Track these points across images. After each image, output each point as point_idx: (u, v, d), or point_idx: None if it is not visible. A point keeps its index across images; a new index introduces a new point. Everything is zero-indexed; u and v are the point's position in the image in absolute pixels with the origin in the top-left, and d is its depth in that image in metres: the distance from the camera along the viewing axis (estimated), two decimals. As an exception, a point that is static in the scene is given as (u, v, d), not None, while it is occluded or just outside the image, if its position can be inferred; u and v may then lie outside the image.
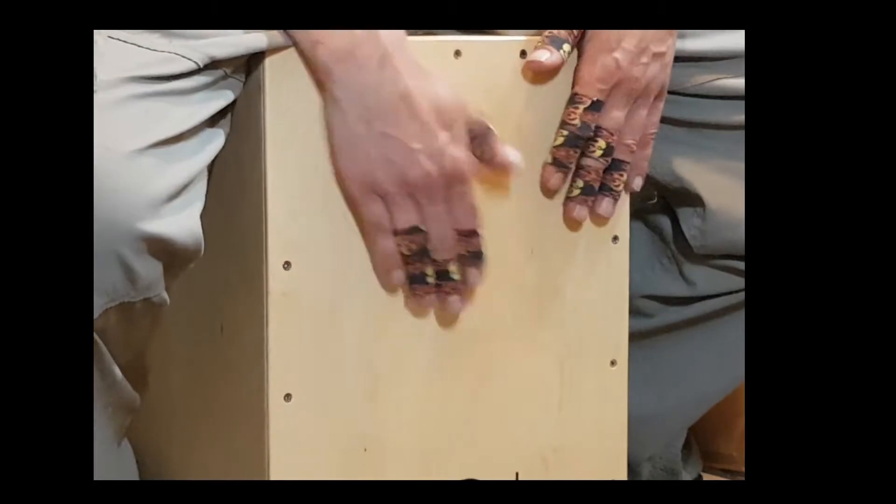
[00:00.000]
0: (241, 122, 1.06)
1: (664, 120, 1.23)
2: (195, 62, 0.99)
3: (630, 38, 1.08)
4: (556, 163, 1.10)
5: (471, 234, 1.06)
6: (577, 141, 1.09)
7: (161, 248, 0.97)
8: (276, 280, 1.06)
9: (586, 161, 1.10)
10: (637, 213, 1.30)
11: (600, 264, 1.15)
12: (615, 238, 1.16)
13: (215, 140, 1.04)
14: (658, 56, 1.10)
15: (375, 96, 1.01)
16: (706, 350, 1.32)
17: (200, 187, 1.02)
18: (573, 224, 1.13)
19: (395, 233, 1.05)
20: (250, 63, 1.05)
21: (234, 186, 1.08)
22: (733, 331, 1.29)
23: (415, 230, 1.04)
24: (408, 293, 1.08)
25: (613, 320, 1.17)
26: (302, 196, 1.05)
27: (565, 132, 1.10)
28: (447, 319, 1.11)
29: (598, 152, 1.10)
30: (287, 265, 1.06)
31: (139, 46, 0.98)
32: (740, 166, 1.20)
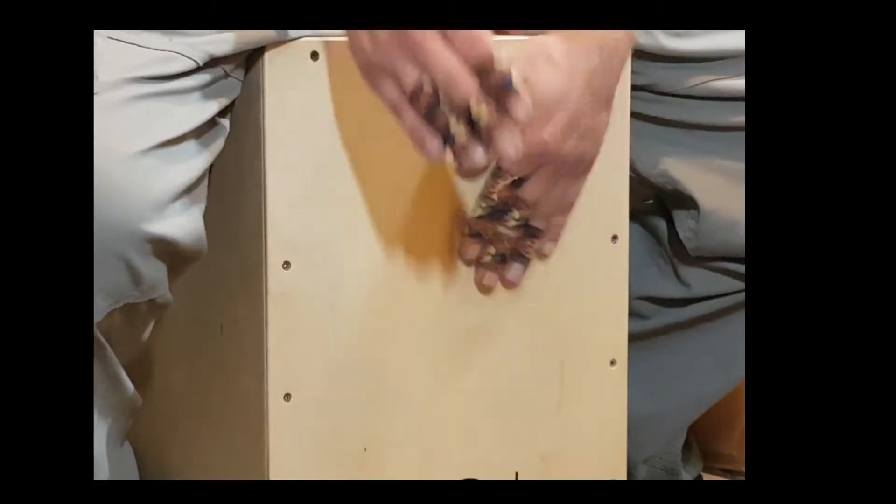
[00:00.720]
0: (241, 122, 1.06)
1: (660, 121, 1.23)
2: (195, 60, 0.99)
3: (561, 115, 1.03)
4: (474, 234, 1.09)
5: (485, 66, 0.93)
6: (497, 214, 1.07)
7: (165, 249, 0.97)
8: (276, 280, 1.06)
9: (501, 230, 1.08)
10: (634, 215, 1.30)
11: (600, 264, 1.15)
12: (614, 238, 1.16)
13: (216, 140, 1.04)
14: (590, 130, 1.05)
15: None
16: (703, 351, 1.33)
17: (203, 187, 1.02)
18: (483, 290, 1.11)
19: (411, 98, 0.95)
20: (249, 63, 1.05)
21: (234, 186, 1.08)
22: (730, 332, 1.29)
23: (423, 83, 0.94)
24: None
25: (613, 320, 1.17)
26: (302, 196, 1.05)
27: (485, 205, 1.07)
28: (448, 319, 1.11)
29: (513, 223, 1.08)
30: (287, 265, 1.06)
31: (139, 46, 0.98)
32: (734, 167, 1.20)
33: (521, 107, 0.93)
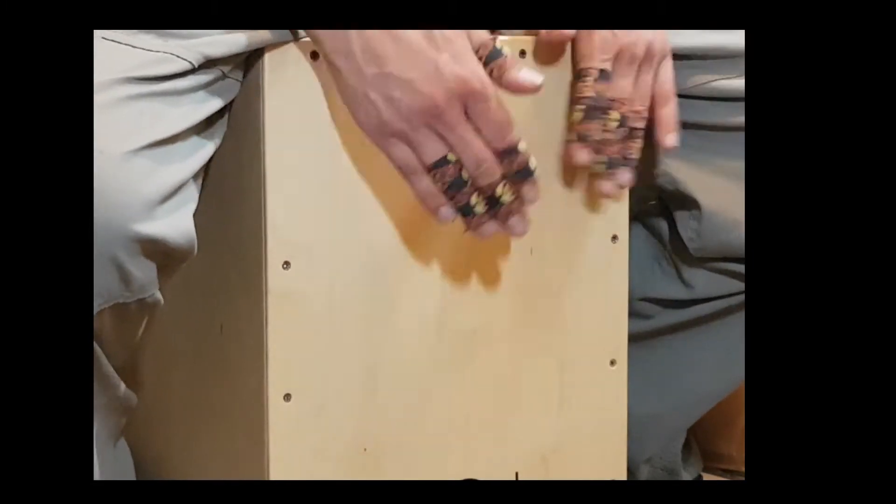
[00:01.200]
0: (240, 122, 1.06)
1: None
2: (190, 62, 0.99)
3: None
4: (581, 137, 1.10)
5: (510, 151, 1.02)
6: (596, 112, 1.09)
7: (155, 249, 0.97)
8: (276, 280, 1.06)
9: (605, 135, 1.10)
10: (637, 216, 1.30)
11: (600, 264, 1.15)
12: (614, 237, 1.16)
13: (211, 141, 1.04)
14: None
15: (362, 41, 0.98)
16: (704, 352, 1.32)
17: (194, 188, 1.02)
18: (603, 200, 1.13)
19: (429, 169, 1.02)
20: (248, 63, 1.05)
21: (234, 186, 1.08)
22: (731, 333, 1.29)
23: (444, 161, 1.01)
24: (465, 226, 1.05)
25: (613, 320, 1.17)
26: (302, 196, 1.05)
27: (582, 106, 1.09)
28: (448, 319, 1.11)
29: (614, 124, 1.10)
30: (287, 265, 1.06)
31: (133, 47, 0.98)
32: (736, 168, 1.20)
33: (535, 192, 1.04)
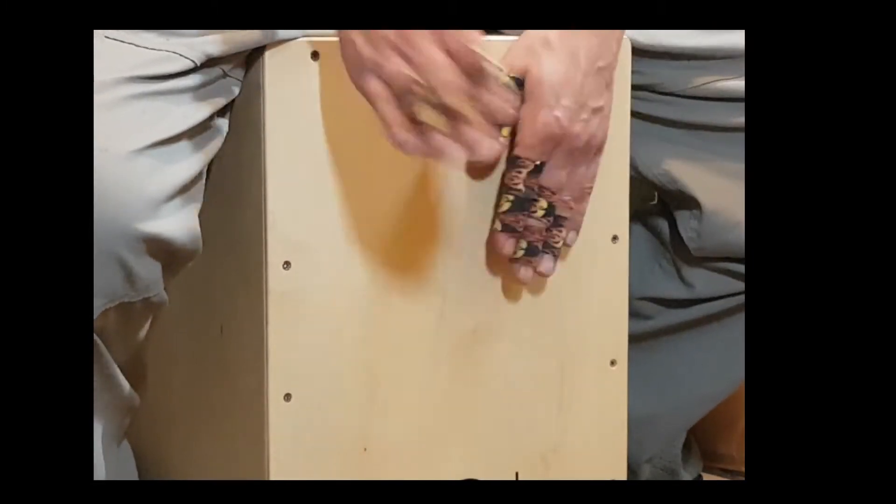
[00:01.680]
0: (240, 122, 1.06)
1: (663, 121, 1.23)
2: (192, 60, 0.99)
3: (568, 96, 1.05)
4: (506, 228, 1.09)
5: (475, 70, 0.96)
6: (523, 204, 1.07)
7: (160, 248, 0.97)
8: (276, 280, 1.06)
9: (530, 222, 1.08)
10: (636, 216, 1.30)
11: (600, 264, 1.15)
12: (615, 238, 1.16)
13: (213, 139, 1.04)
14: (597, 111, 1.06)
15: None
16: (705, 352, 1.32)
17: (199, 187, 1.02)
18: (518, 285, 1.12)
19: (397, 93, 0.96)
20: (248, 62, 1.05)
21: (234, 186, 1.08)
22: (732, 333, 1.29)
23: (411, 79, 0.95)
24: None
25: (613, 320, 1.17)
26: (302, 196, 1.05)
27: (511, 197, 1.07)
28: (448, 319, 1.11)
29: (540, 212, 1.08)
30: (287, 265, 1.06)
31: (136, 46, 0.98)
32: (737, 168, 1.20)
33: (516, 98, 1.00)
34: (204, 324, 1.16)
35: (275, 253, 1.05)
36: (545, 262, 1.10)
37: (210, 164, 1.05)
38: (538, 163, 1.06)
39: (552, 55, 1.04)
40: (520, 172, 1.07)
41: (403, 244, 1.09)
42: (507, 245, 1.09)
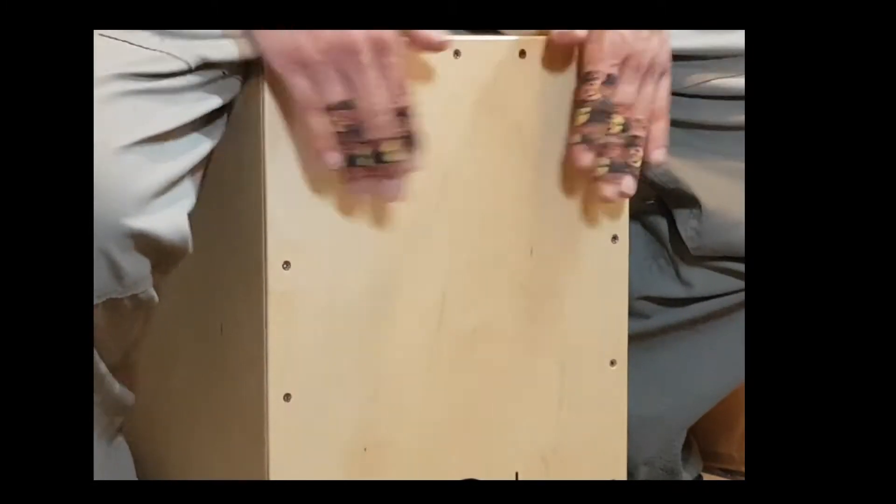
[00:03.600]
0: (240, 122, 1.06)
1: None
2: (186, 63, 0.99)
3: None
4: (585, 139, 1.10)
5: (403, 113, 1.02)
6: (600, 116, 1.09)
7: (148, 245, 0.97)
8: (276, 280, 1.06)
9: (609, 138, 1.10)
10: (635, 215, 1.30)
11: (600, 264, 1.15)
12: (614, 237, 1.16)
13: (209, 139, 1.03)
14: (654, 34, 1.10)
15: None
16: (704, 351, 1.32)
17: (189, 185, 1.01)
18: (602, 203, 1.13)
19: (328, 109, 1.02)
20: (249, 63, 1.05)
21: (234, 186, 1.08)
22: (731, 332, 1.29)
23: (346, 105, 1.01)
24: (345, 176, 1.05)
25: (613, 320, 1.17)
26: (302, 196, 1.05)
27: (587, 108, 1.09)
28: (448, 319, 1.11)
29: (618, 128, 1.10)
30: (286, 265, 1.06)
31: (130, 44, 0.98)
32: (736, 167, 1.20)
33: (417, 162, 1.04)
34: (204, 324, 1.16)
35: (274, 253, 1.05)
36: (626, 181, 1.11)
37: (208, 164, 1.05)
38: (609, 74, 1.09)
39: None
40: (592, 84, 1.09)
41: (403, 244, 1.09)
42: (585, 157, 1.10)
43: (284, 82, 1.01)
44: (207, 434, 1.17)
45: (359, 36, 0.99)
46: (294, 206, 1.05)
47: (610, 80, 1.09)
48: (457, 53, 1.09)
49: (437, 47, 1.04)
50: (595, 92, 1.09)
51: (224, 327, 1.13)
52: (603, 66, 1.09)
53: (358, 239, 1.07)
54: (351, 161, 1.03)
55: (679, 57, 1.18)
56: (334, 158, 1.03)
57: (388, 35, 1.00)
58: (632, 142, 1.10)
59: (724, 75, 1.20)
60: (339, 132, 1.02)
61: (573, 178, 1.13)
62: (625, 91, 1.09)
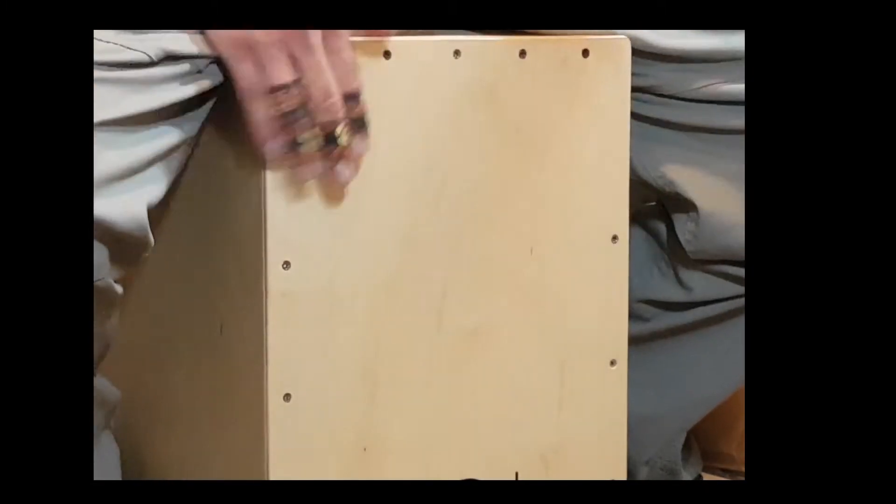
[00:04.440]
0: (241, 121, 1.06)
1: (662, 123, 1.23)
2: (147, 54, 0.98)
3: None
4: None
5: (353, 97, 1.01)
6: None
7: (100, 230, 0.96)
8: (276, 280, 1.06)
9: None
10: (635, 218, 1.30)
11: (600, 264, 1.15)
12: (614, 238, 1.16)
13: (177, 130, 1.02)
14: None
15: None
16: (703, 355, 1.32)
17: (154, 175, 1.00)
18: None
19: (272, 91, 1.00)
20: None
21: (234, 186, 1.08)
22: (731, 336, 1.29)
23: (292, 86, 0.99)
24: (286, 162, 1.03)
25: (613, 320, 1.17)
26: (301, 196, 1.05)
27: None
28: (448, 319, 1.11)
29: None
30: (286, 265, 1.06)
31: (98, 40, 0.98)
32: (734, 170, 1.20)
33: (366, 145, 1.03)
34: (204, 324, 1.16)
35: (275, 253, 1.05)
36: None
37: (210, 165, 1.05)
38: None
39: None
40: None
41: (403, 244, 1.09)
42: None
43: (231, 71, 1.00)
44: (207, 434, 1.17)
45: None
46: (294, 206, 1.05)
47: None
48: (457, 53, 1.09)
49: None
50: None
51: (224, 327, 1.13)
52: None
53: (358, 239, 1.07)
54: (294, 145, 1.01)
55: (682, 60, 1.18)
56: (276, 145, 1.01)
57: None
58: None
59: (727, 81, 1.20)
60: (283, 115, 1.00)
61: (573, 178, 1.13)
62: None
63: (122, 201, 0.97)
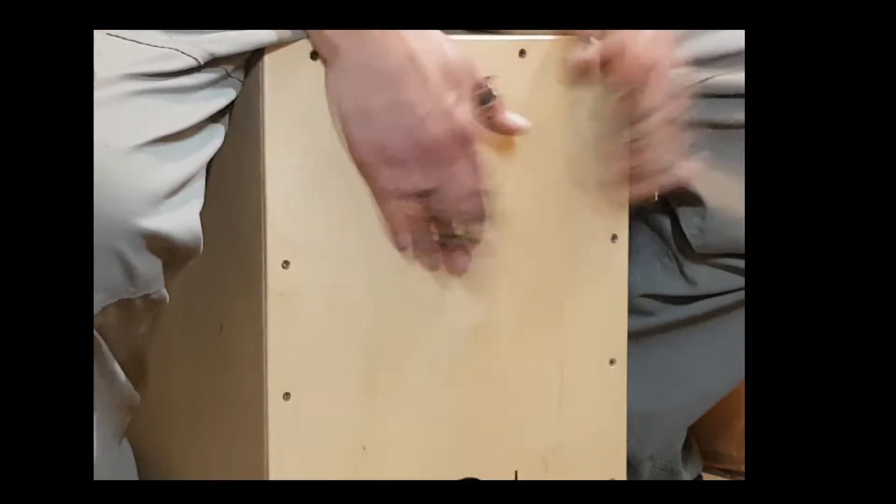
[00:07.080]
0: (240, 121, 1.06)
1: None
2: (195, 59, 0.99)
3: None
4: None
5: (475, 194, 1.05)
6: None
7: (160, 245, 0.97)
8: (275, 279, 1.06)
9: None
10: (638, 213, 1.30)
11: (599, 264, 1.15)
12: (614, 237, 1.16)
13: (215, 138, 1.04)
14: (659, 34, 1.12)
15: (383, 62, 1.00)
16: (707, 349, 1.32)
17: (199, 185, 1.02)
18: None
19: (410, 196, 1.05)
20: (249, 63, 1.05)
21: (234, 185, 1.08)
22: (734, 329, 1.29)
23: (428, 193, 1.04)
24: (414, 254, 1.08)
25: (613, 319, 1.17)
26: (301, 195, 1.05)
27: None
28: (448, 319, 1.11)
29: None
30: (286, 264, 1.06)
31: (138, 43, 0.98)
32: (740, 165, 1.20)
33: (484, 233, 1.07)
34: (204, 323, 1.16)
35: (274, 252, 1.05)
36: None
37: (210, 164, 1.05)
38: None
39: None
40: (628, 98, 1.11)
41: (403, 244, 1.09)
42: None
43: (365, 170, 1.04)
44: (207, 433, 1.17)
45: (446, 135, 1.02)
46: (294, 206, 1.05)
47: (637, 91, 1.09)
48: (457, 53, 1.09)
49: (517, 132, 1.07)
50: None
51: (224, 326, 1.13)
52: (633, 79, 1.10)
53: (358, 239, 1.07)
54: (423, 241, 1.07)
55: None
56: (406, 239, 1.07)
57: (472, 125, 1.03)
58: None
59: (723, 72, 1.20)
60: (412, 217, 1.05)
61: (573, 178, 1.13)
62: (652, 98, 1.10)
63: (178, 215, 0.98)
